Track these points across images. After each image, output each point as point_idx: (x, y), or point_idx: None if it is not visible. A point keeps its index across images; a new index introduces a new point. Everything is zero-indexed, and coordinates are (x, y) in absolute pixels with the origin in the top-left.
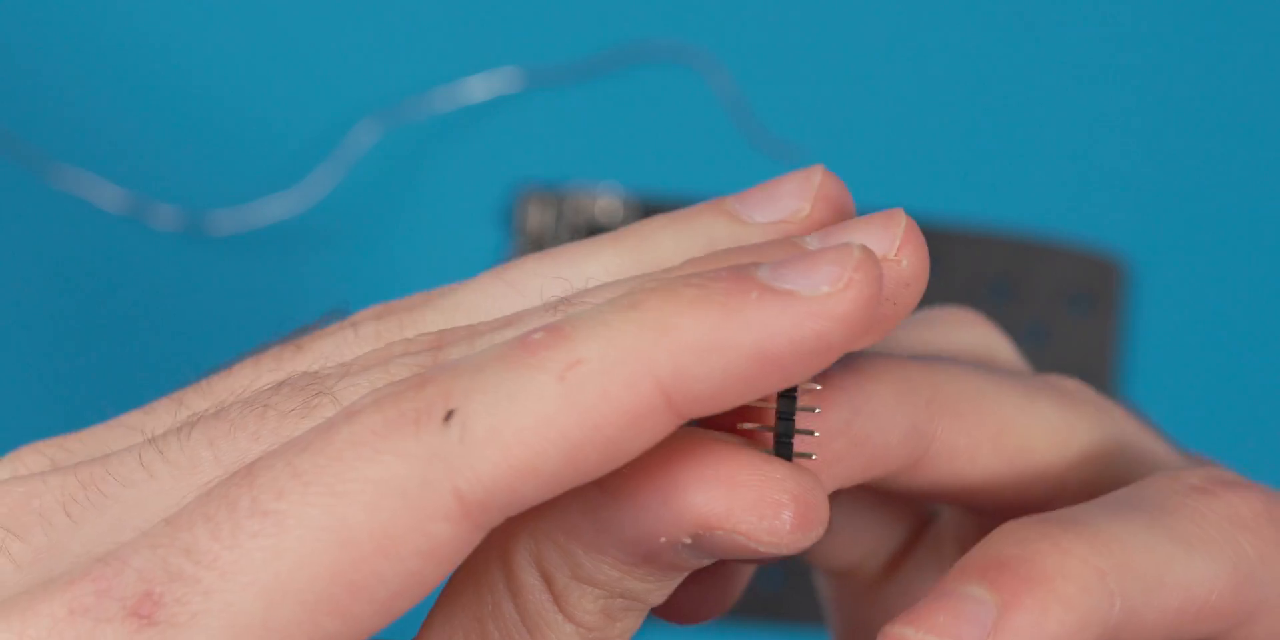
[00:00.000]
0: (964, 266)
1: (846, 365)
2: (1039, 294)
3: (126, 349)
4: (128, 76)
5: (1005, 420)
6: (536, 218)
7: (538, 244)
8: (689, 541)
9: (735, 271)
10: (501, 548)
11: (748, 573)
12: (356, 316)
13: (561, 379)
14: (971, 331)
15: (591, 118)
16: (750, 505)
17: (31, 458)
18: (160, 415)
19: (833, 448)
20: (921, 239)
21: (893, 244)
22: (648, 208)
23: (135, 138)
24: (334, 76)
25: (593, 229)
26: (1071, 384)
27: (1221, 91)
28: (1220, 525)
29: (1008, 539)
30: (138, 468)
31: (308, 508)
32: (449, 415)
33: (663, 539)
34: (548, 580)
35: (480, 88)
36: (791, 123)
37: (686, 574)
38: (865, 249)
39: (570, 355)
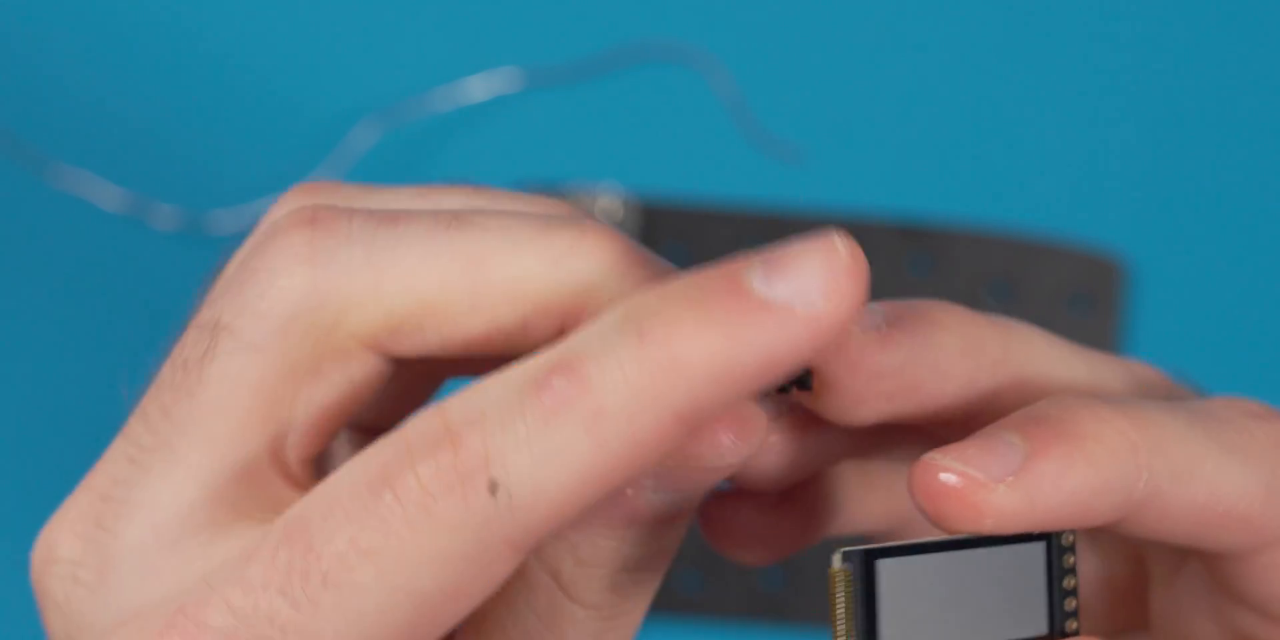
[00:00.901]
0: (964, 266)
1: (920, 312)
2: (1039, 294)
3: (125, 348)
4: (128, 76)
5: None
6: None
7: None
8: (651, 483)
9: (729, 282)
10: None
11: (812, 514)
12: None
13: (589, 432)
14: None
15: (591, 118)
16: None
17: None
18: None
19: (882, 386)
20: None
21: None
22: (648, 208)
23: (135, 138)
24: (334, 76)
25: None
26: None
27: (1221, 91)
28: (1263, 443)
29: (1051, 403)
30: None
31: (381, 578)
32: (493, 486)
33: (629, 491)
34: (554, 575)
35: (480, 88)
36: (791, 123)
37: (678, 530)
38: (849, 246)
39: (594, 404)
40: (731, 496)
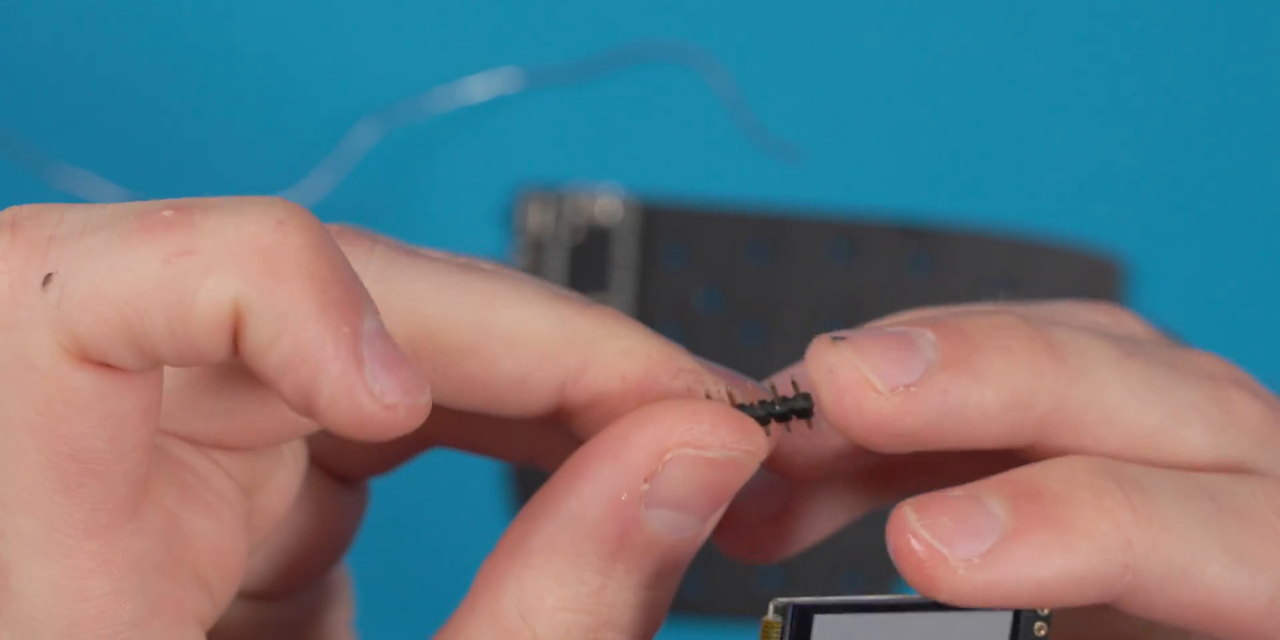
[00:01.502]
0: (965, 266)
1: (962, 356)
2: (1040, 294)
3: None
4: (128, 76)
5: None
6: (536, 218)
7: (537, 244)
8: (647, 487)
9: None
10: (492, 607)
11: (812, 509)
12: None
13: (166, 262)
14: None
15: (591, 118)
16: (686, 418)
17: None
18: None
19: (901, 442)
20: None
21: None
22: (648, 208)
23: (135, 138)
24: (334, 76)
25: (593, 229)
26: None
27: (1221, 93)
28: None
29: (1058, 470)
30: None
31: None
32: (47, 279)
33: (624, 495)
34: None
35: (480, 88)
36: (791, 123)
37: (670, 581)
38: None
39: (185, 244)
40: (736, 500)
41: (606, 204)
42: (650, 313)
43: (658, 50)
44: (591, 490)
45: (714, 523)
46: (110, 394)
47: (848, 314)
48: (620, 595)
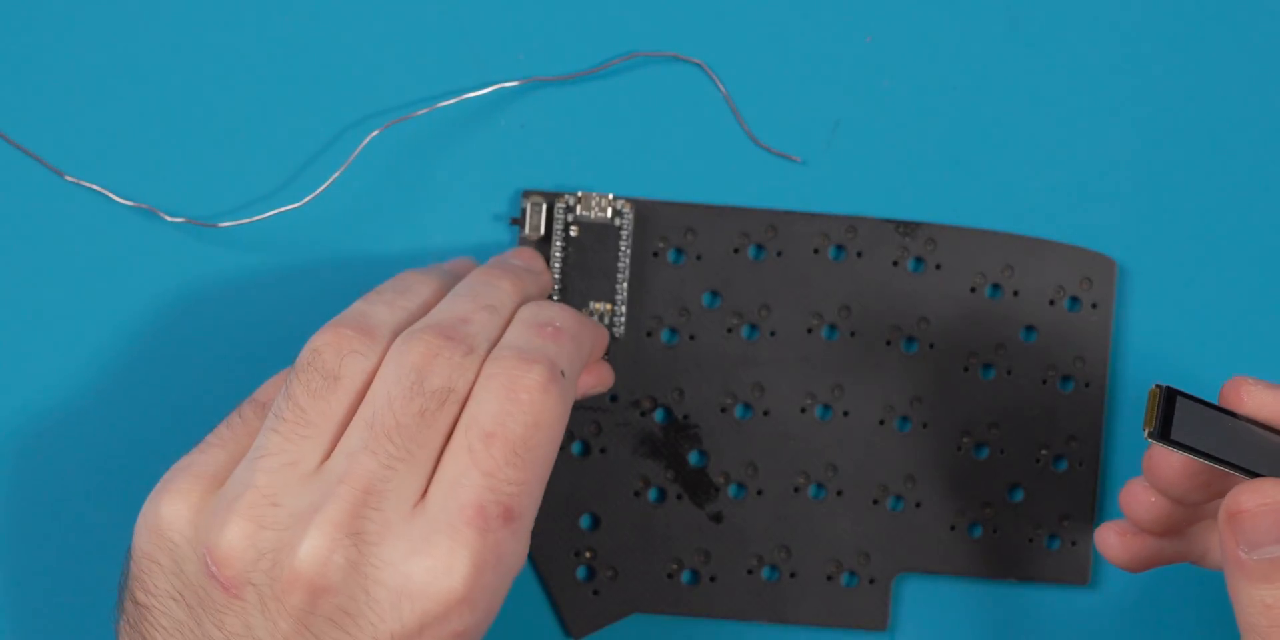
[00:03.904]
0: (960, 262)
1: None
2: (1037, 290)
3: (124, 345)
4: (128, 76)
5: None
6: (534, 225)
7: (537, 244)
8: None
9: None
10: None
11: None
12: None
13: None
14: None
15: (591, 118)
16: None
17: None
18: None
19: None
20: None
21: None
22: (648, 208)
23: (136, 138)
24: (335, 78)
25: (592, 228)
26: None
27: (1214, 91)
28: None
29: None
30: None
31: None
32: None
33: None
34: None
35: (480, 89)
36: (791, 124)
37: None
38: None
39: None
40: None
41: (605, 204)
42: (649, 312)
43: (658, 51)
44: None
45: None
46: None
47: (846, 311)
48: None
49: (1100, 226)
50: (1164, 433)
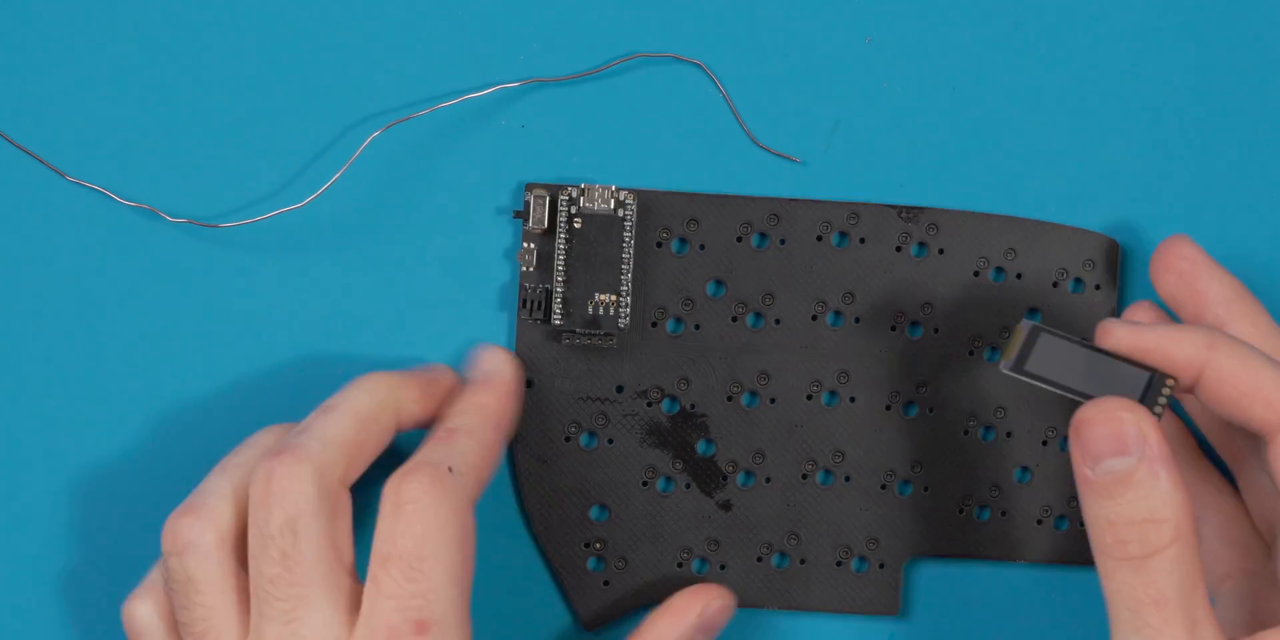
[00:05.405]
0: (963, 244)
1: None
2: (1039, 272)
3: (125, 345)
4: (130, 76)
5: None
6: (537, 217)
7: (541, 237)
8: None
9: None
10: None
11: None
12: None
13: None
14: None
15: (591, 118)
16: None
17: None
18: None
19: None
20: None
21: None
22: (651, 199)
23: (136, 138)
24: (336, 79)
25: (595, 220)
26: None
27: (1217, 76)
28: None
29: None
30: None
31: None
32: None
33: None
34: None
35: (481, 89)
36: (791, 122)
37: None
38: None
39: None
40: None
41: (608, 195)
42: (654, 302)
43: (658, 50)
44: None
45: None
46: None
47: (850, 298)
48: None
49: (1103, 208)
50: (1019, 365)
